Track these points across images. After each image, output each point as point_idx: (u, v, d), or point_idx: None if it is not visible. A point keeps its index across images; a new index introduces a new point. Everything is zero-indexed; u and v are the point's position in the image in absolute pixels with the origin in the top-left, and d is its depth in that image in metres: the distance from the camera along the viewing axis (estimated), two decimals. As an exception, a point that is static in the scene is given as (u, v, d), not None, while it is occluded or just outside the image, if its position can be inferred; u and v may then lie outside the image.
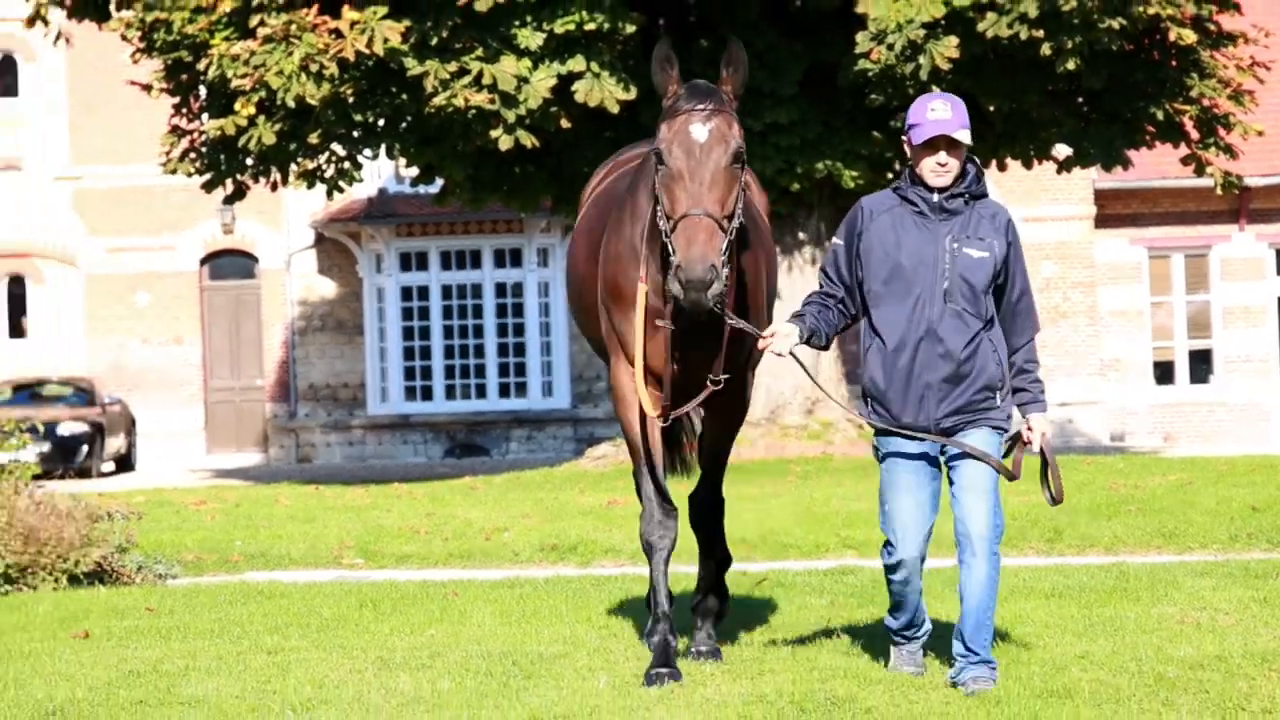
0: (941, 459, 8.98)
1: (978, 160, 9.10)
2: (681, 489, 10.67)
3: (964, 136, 8.82)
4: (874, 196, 9.21)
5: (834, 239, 9.22)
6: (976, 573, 8.69)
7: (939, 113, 8.82)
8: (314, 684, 9.47)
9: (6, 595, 13.99)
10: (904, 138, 9.12)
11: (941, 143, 8.81)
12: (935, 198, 8.88)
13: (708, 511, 10.57)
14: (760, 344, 9.04)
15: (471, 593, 13.59)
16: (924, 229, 8.88)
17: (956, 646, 8.74)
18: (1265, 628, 10.43)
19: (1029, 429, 8.97)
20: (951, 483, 8.90)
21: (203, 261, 42.54)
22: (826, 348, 9.25)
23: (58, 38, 30.89)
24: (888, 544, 9.02)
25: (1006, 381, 8.96)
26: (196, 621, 12.22)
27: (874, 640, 10.11)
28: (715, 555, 10.57)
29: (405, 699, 8.96)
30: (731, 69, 9.25)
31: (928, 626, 9.38)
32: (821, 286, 9.17)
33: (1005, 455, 8.99)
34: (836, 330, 9.06)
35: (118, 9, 28.65)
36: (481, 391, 40.86)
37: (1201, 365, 41.80)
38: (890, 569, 9.05)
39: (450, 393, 40.83)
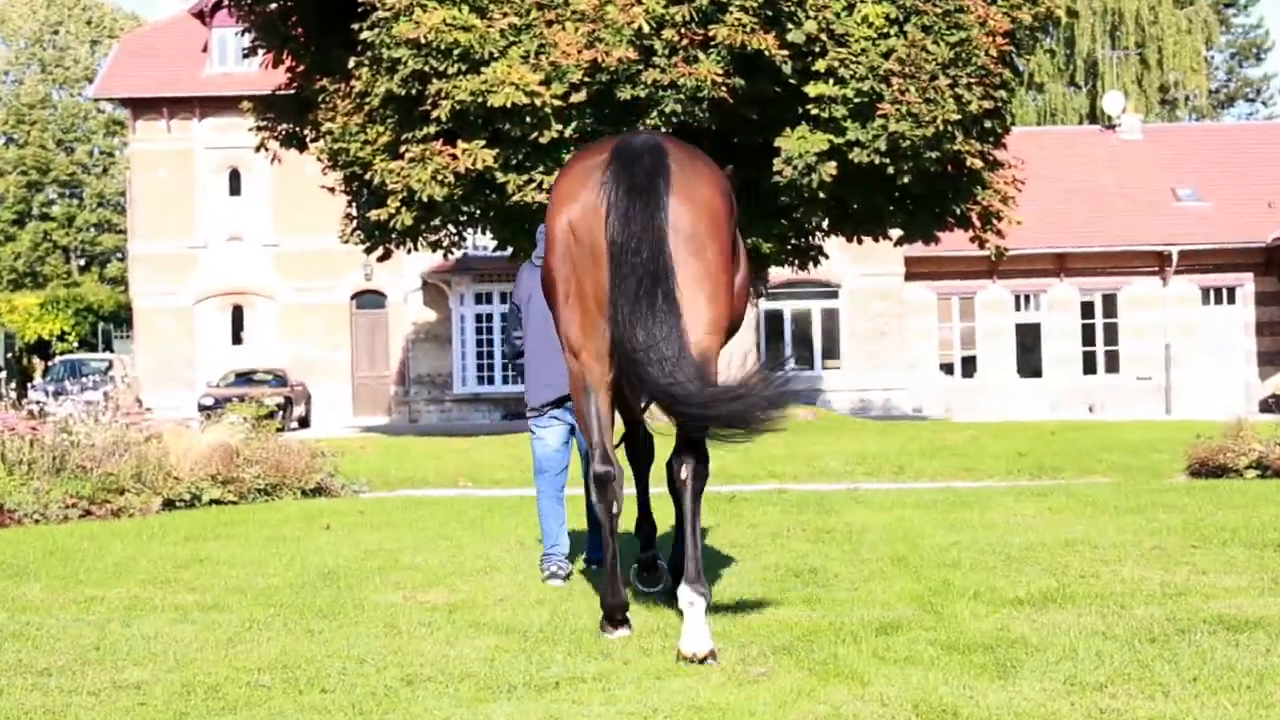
0: None
1: None
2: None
3: None
4: None
5: None
6: None
7: None
8: (482, 559, 9.38)
9: (266, 502, 13.98)
10: None
11: None
12: None
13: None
14: None
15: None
16: None
17: None
18: (1062, 526, 10.31)
19: None
20: None
21: (352, 297, 42.25)
22: None
23: (273, 159, 30.79)
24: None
25: None
26: (392, 520, 12.14)
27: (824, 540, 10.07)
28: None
29: (529, 565, 8.90)
30: None
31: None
32: None
33: None
34: None
35: (312, 141, 28.55)
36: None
37: (969, 365, 41.89)
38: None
39: (505, 380, 40.58)
